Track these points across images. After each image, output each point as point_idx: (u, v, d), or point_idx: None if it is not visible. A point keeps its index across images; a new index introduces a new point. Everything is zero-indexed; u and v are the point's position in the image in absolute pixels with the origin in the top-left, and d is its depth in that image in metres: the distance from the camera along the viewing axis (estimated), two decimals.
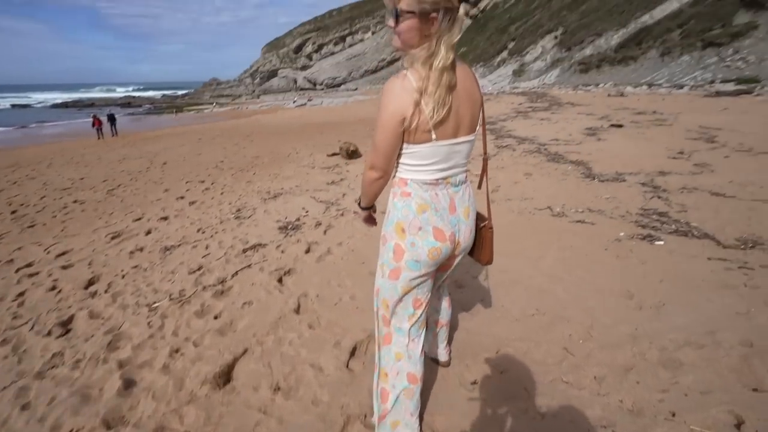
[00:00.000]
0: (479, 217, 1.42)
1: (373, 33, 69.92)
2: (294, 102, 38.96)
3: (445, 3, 1.05)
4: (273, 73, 72.14)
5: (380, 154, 1.18)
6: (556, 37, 34.16)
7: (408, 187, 1.24)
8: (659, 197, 3.89)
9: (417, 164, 1.20)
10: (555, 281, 2.48)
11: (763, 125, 7.46)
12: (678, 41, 21.81)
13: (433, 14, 1.05)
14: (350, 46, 70.99)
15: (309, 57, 73.12)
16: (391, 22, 1.12)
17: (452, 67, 1.10)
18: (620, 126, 8.48)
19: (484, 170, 1.46)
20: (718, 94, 13.62)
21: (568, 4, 37.54)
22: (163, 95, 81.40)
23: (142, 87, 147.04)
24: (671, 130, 7.70)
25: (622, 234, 3.07)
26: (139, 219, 4.99)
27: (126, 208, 5.63)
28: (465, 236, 1.33)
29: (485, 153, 1.41)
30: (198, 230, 4.26)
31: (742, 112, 9.37)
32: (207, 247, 3.68)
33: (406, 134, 1.15)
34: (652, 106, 11.86)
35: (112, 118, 19.32)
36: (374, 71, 67.21)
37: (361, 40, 70.67)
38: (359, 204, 1.45)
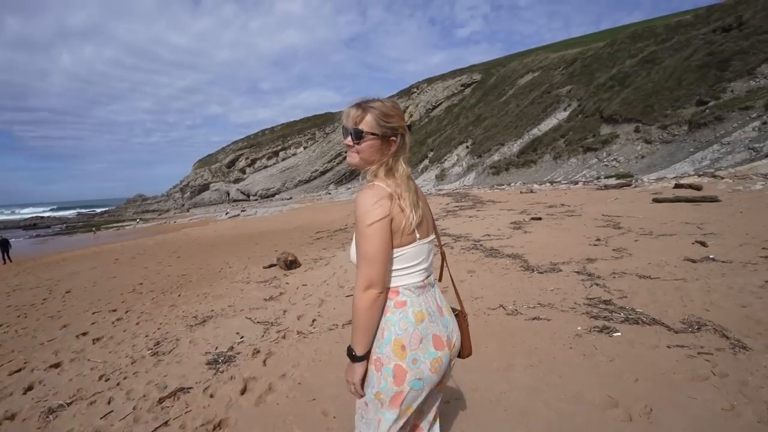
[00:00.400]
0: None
1: (305, 148, 74.80)
2: (227, 213, 38.33)
3: (401, 130, 1.22)
4: (204, 187, 71.79)
5: (376, 264, 1.10)
6: (467, 147, 39.48)
7: (401, 296, 1.18)
8: (597, 285, 4.05)
9: (406, 267, 1.19)
10: (533, 395, 2.24)
11: (651, 210, 8.75)
12: (564, 148, 26.36)
13: (393, 137, 1.20)
14: (283, 160, 74.57)
15: (242, 171, 74.81)
16: (349, 140, 1.20)
17: (410, 176, 1.24)
18: (539, 219, 9.36)
19: (444, 261, 1.47)
20: (606, 187, 16.11)
21: (472, 121, 44.55)
22: (79, 213, 75.52)
23: (55, 207, 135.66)
24: (582, 219, 8.65)
25: (579, 328, 3.03)
26: (19, 370, 3.93)
27: (3, 357, 4.48)
28: (456, 335, 1.30)
29: (440, 245, 1.45)
30: (101, 377, 3.41)
31: (630, 201, 11.01)
32: (110, 402, 2.89)
33: (393, 238, 1.14)
34: (559, 199, 13.53)
35: (4, 244, 17.02)
36: (308, 181, 70.30)
37: (294, 154, 74.86)
38: (352, 355, 1.15)
